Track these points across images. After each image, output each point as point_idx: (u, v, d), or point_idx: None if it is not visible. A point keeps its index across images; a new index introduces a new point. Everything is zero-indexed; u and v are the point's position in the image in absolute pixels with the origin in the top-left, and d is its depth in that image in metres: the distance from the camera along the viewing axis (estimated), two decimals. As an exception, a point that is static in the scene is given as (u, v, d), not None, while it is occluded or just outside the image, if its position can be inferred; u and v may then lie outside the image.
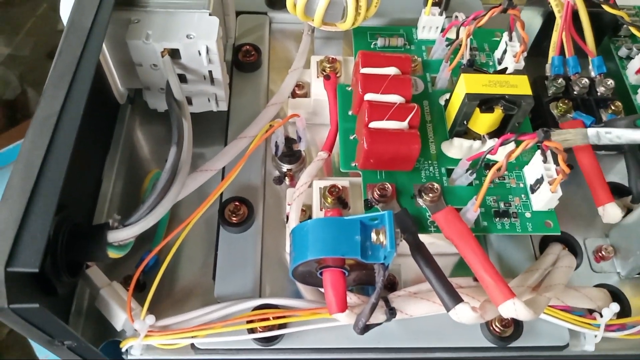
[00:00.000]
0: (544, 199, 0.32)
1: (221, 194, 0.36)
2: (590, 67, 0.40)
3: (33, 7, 0.91)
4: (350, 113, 0.36)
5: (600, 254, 0.36)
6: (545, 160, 0.32)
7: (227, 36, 0.42)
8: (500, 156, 0.30)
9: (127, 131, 0.39)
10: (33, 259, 0.23)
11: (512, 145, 0.30)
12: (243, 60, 0.41)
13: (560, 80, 0.38)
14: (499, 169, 0.29)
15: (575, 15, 0.40)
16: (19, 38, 0.88)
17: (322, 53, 0.43)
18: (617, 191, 0.38)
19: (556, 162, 0.31)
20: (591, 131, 0.34)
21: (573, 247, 0.36)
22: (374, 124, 0.32)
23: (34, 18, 0.90)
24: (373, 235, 0.28)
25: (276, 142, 0.36)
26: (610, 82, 0.39)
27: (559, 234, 0.33)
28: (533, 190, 0.33)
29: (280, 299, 0.32)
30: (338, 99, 0.36)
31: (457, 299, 0.29)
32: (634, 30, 0.40)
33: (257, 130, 0.36)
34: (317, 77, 0.38)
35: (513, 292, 0.28)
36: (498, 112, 0.32)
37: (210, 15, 0.34)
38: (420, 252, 0.30)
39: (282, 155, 0.37)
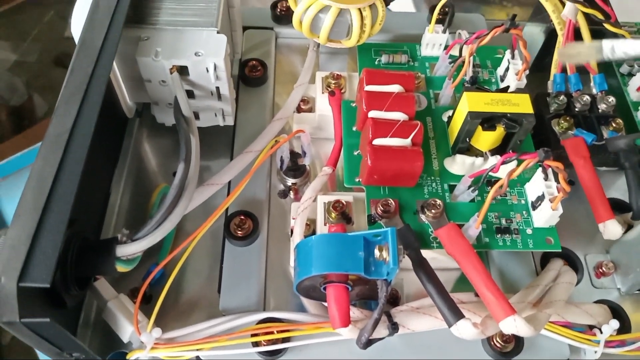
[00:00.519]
0: (545, 216, 0.32)
1: (227, 208, 0.36)
2: (592, 84, 0.41)
3: (40, 14, 0.92)
4: (354, 129, 0.36)
5: (600, 270, 0.37)
6: (546, 178, 0.32)
7: (234, 51, 0.43)
8: (502, 173, 0.31)
9: (134, 145, 0.40)
10: (44, 275, 0.24)
11: (513, 164, 0.30)
12: (249, 75, 0.42)
13: (562, 97, 0.39)
14: (500, 187, 0.30)
15: (577, 33, 0.40)
16: (25, 45, 0.88)
17: (327, 68, 0.44)
18: (618, 207, 0.38)
19: (557, 180, 0.31)
20: (606, 44, 0.32)
21: (574, 263, 0.36)
22: (377, 141, 0.33)
23: (41, 25, 0.91)
24: (376, 252, 0.29)
25: (281, 156, 0.37)
26: (612, 99, 0.39)
27: (560, 250, 0.33)
28: (534, 207, 0.33)
29: (285, 313, 0.32)
30: (342, 115, 0.37)
31: (459, 315, 0.29)
32: (635, 49, 0.40)
33: (262, 145, 0.37)
34: (322, 92, 0.39)
35: (514, 309, 0.29)
36: (500, 130, 0.33)
37: (218, 33, 0.34)
38: (422, 267, 0.30)
39: (287, 170, 0.38)
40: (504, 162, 0.30)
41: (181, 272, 0.35)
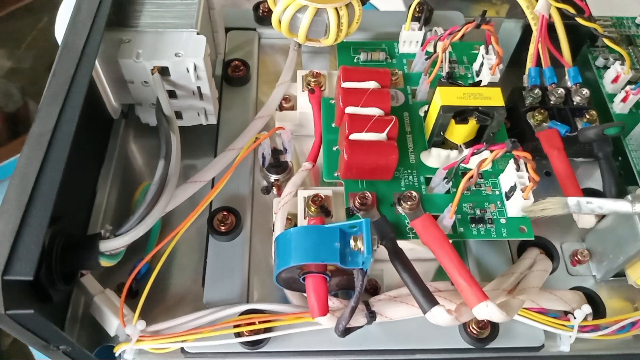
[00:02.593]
0: (518, 206, 0.33)
1: (211, 204, 0.37)
2: (567, 77, 0.41)
3: (34, 21, 0.93)
4: (333, 125, 0.37)
5: (576, 258, 0.37)
6: (518, 169, 0.33)
7: (216, 52, 0.44)
8: (474, 164, 0.32)
9: (121, 145, 0.41)
10: (28, 268, 0.24)
11: (485, 155, 0.31)
12: (232, 75, 0.43)
13: (536, 90, 0.40)
14: (470, 178, 0.31)
15: (552, 27, 0.41)
16: (20, 51, 0.89)
17: (309, 67, 0.45)
18: (594, 196, 0.39)
19: (528, 170, 0.32)
20: (571, 200, 0.33)
21: (550, 252, 0.37)
22: (354, 136, 0.34)
23: (35, 31, 0.92)
24: (352, 242, 0.29)
25: (263, 153, 0.38)
26: (586, 91, 0.40)
27: (533, 238, 0.34)
28: (508, 197, 0.34)
29: (266, 304, 0.33)
30: (322, 111, 0.38)
31: (433, 302, 0.30)
32: (607, 42, 0.41)
33: (244, 143, 0.38)
34: (303, 90, 0.40)
35: (486, 295, 0.30)
36: (472, 123, 0.34)
37: (197, 34, 0.35)
38: (398, 257, 0.31)
39: (269, 166, 0.39)
40: (473, 154, 0.31)
41: (168, 268, 0.36)
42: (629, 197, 0.32)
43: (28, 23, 0.93)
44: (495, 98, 0.34)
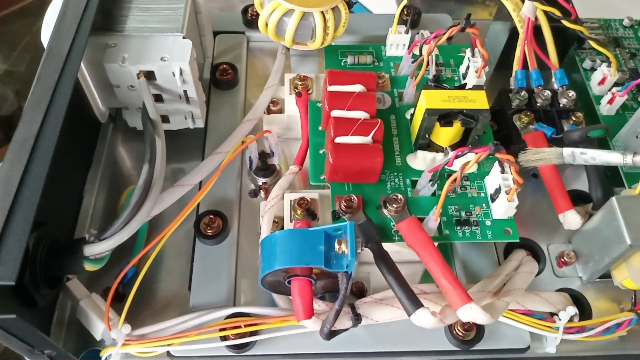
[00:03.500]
0: (503, 208, 0.33)
1: (198, 207, 0.38)
2: (553, 79, 0.42)
3: (29, 24, 0.93)
4: (320, 128, 0.37)
5: (562, 260, 0.38)
6: (502, 171, 0.33)
7: (204, 56, 0.44)
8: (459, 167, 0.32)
9: (109, 148, 0.41)
10: (10, 273, 0.24)
11: (468, 157, 0.32)
12: (220, 79, 0.43)
13: (523, 92, 0.40)
14: (454, 180, 0.31)
15: (539, 29, 0.42)
16: (15, 54, 0.89)
17: (298, 70, 0.45)
18: (581, 198, 0.39)
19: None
20: (566, 151, 0.35)
21: (536, 253, 0.37)
22: (339, 139, 0.34)
23: (30, 34, 0.92)
24: (336, 245, 0.30)
25: (250, 157, 0.38)
26: (572, 93, 0.40)
27: (518, 240, 0.34)
28: (493, 200, 0.34)
29: (252, 308, 0.33)
30: (309, 114, 0.38)
31: (418, 304, 0.30)
32: (593, 44, 0.41)
33: (231, 146, 0.38)
34: (290, 94, 0.40)
35: (470, 297, 0.30)
36: (457, 126, 0.34)
37: (183, 38, 0.36)
38: (383, 260, 0.31)
39: (256, 170, 0.39)
40: (457, 156, 0.31)
41: (155, 271, 0.36)
42: (622, 150, 0.33)
43: (23, 26, 0.93)
44: (479, 101, 0.34)
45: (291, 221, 0.34)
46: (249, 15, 0.47)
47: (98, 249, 0.29)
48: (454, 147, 0.36)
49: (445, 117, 0.34)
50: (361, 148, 0.33)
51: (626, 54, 0.46)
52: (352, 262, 0.29)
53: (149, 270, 0.34)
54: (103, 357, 0.32)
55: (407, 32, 0.41)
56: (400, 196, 0.34)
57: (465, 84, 0.38)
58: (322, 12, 0.37)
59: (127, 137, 0.42)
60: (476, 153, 0.30)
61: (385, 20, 0.47)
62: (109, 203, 0.39)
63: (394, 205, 0.34)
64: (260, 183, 0.39)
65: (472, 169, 0.35)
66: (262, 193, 0.39)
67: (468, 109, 0.34)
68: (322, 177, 0.35)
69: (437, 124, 0.34)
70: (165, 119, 0.38)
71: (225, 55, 0.46)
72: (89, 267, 0.30)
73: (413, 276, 0.37)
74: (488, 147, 0.30)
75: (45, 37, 0.35)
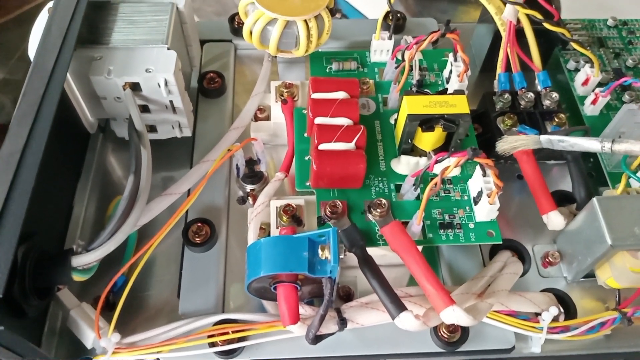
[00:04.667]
0: (485, 210, 0.34)
1: (187, 215, 0.38)
2: (536, 81, 0.42)
3: (25, 33, 0.94)
4: (305, 135, 0.38)
5: (547, 260, 0.38)
6: (484, 175, 0.34)
7: (191, 65, 0.44)
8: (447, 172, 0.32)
9: (98, 158, 0.41)
10: (-3, 286, 0.25)
11: (448, 162, 0.32)
12: (207, 87, 0.44)
13: (506, 95, 0.41)
14: (435, 185, 0.31)
15: (522, 32, 0.42)
16: (12, 62, 0.90)
17: (286, 77, 0.46)
18: (566, 198, 0.40)
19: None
20: (543, 137, 0.36)
21: (521, 254, 0.38)
22: (323, 146, 0.34)
23: (26, 43, 0.93)
24: (320, 251, 0.30)
25: (237, 164, 0.38)
26: (555, 95, 0.41)
27: (501, 242, 0.34)
28: (476, 202, 0.35)
29: (240, 314, 0.34)
30: (295, 121, 0.39)
31: (401, 308, 0.30)
32: (575, 46, 0.41)
33: (219, 154, 0.38)
34: (276, 101, 0.40)
35: (453, 300, 0.30)
36: (439, 131, 0.35)
37: (168, 49, 0.36)
38: (367, 265, 0.32)
39: (244, 177, 0.39)
40: (437, 161, 0.32)
41: (146, 279, 0.37)
42: (599, 138, 0.34)
43: (20, 34, 0.94)
44: (460, 105, 0.34)
45: (277, 228, 0.35)
46: (236, 23, 0.47)
47: (85, 260, 0.30)
48: (437, 151, 0.36)
49: (427, 122, 0.34)
50: (344, 154, 0.34)
51: (610, 54, 0.47)
52: (335, 268, 0.30)
53: (139, 279, 0.35)
54: (94, 365, 0.33)
55: (390, 38, 0.41)
56: (384, 201, 0.34)
57: (447, 88, 0.39)
58: (305, 21, 0.38)
59: (117, 146, 0.43)
60: (456, 158, 0.31)
61: (371, 26, 0.48)
62: (99, 212, 0.39)
63: (378, 210, 0.34)
64: (248, 190, 0.40)
65: (454, 172, 0.36)
66: (250, 200, 0.40)
67: (449, 113, 0.34)
68: (307, 184, 0.36)
69: (419, 129, 0.35)
70: (152, 128, 0.39)
71: (213, 64, 0.46)
72: (77, 277, 0.30)
73: (400, 279, 0.37)
74: (466, 152, 0.30)
75: (32, 51, 0.35)
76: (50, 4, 0.37)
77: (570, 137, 0.35)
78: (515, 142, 0.36)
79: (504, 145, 0.37)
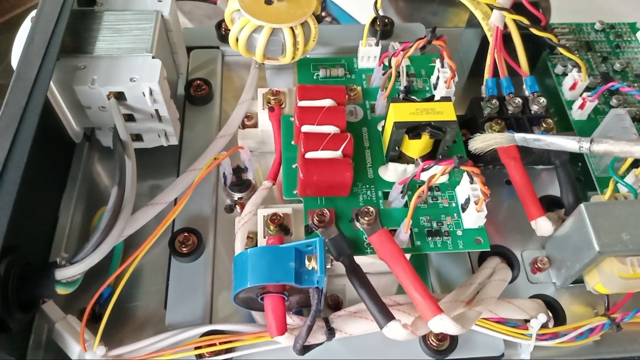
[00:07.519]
0: (473, 217, 0.34)
1: (174, 225, 0.38)
2: (524, 86, 0.42)
3: (13, 38, 0.93)
4: (293, 143, 0.38)
5: (536, 266, 0.38)
6: (471, 182, 0.34)
7: (177, 72, 0.44)
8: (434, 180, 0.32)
9: (85, 168, 0.41)
10: (-23, 301, 0.25)
11: (435, 170, 0.32)
12: (194, 94, 0.43)
13: (494, 101, 0.40)
14: (422, 193, 0.31)
15: (510, 37, 0.42)
16: (1, 68, 0.89)
17: (274, 83, 0.45)
18: (554, 203, 0.40)
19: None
20: (518, 136, 0.36)
21: (510, 260, 0.38)
22: (309, 154, 0.34)
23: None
24: (306, 261, 0.30)
25: (224, 173, 0.38)
26: (543, 100, 0.41)
27: (489, 249, 0.34)
28: (464, 209, 0.35)
29: (227, 325, 0.34)
30: (282, 129, 0.38)
31: (389, 317, 0.30)
32: (562, 51, 0.41)
33: (205, 162, 0.38)
34: (263, 108, 0.40)
35: (440, 308, 0.30)
36: (426, 138, 0.34)
37: (153, 58, 0.36)
38: (354, 273, 0.32)
39: (232, 185, 0.39)
40: (423, 169, 0.31)
41: (132, 290, 0.37)
42: (577, 137, 0.34)
43: (8, 38, 0.93)
44: (447, 112, 0.34)
45: (264, 237, 0.35)
46: (223, 29, 0.47)
47: (69, 273, 0.30)
48: (425, 157, 0.36)
49: (414, 129, 0.34)
50: (331, 163, 0.34)
51: (598, 57, 0.47)
52: (321, 278, 0.30)
53: (126, 290, 0.35)
54: (80, 378, 0.33)
55: (377, 44, 0.41)
56: (371, 209, 0.34)
57: (433, 95, 0.39)
58: (292, 28, 0.38)
59: (103, 155, 0.42)
60: (442, 166, 0.31)
61: (359, 31, 0.47)
62: (86, 222, 0.39)
63: (366, 218, 0.34)
64: (236, 198, 0.40)
65: (442, 179, 0.36)
66: (237, 208, 0.39)
67: (436, 120, 0.34)
68: (294, 192, 0.36)
69: (406, 136, 0.35)
70: (138, 137, 0.39)
71: (200, 71, 0.46)
72: (61, 290, 0.30)
73: (389, 287, 0.37)
74: (453, 160, 0.30)
75: (15, 61, 0.35)
76: (33, 13, 0.37)
77: (547, 135, 0.35)
78: (490, 141, 0.36)
79: (477, 143, 0.36)
